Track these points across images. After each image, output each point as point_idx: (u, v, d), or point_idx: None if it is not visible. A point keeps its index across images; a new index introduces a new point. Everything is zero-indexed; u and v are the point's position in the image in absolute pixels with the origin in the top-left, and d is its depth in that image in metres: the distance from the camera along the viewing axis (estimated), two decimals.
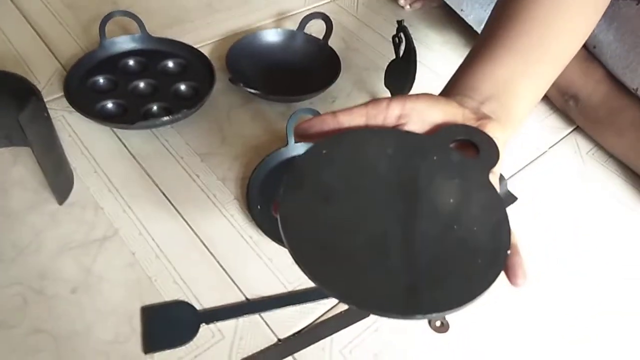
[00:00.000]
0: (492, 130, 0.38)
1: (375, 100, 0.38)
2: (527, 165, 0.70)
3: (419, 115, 0.38)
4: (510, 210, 0.61)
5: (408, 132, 0.38)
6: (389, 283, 0.32)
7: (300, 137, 0.39)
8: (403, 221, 0.34)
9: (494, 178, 0.37)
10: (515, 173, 0.69)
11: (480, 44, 0.45)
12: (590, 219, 0.65)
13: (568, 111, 0.75)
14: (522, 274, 0.33)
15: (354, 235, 0.33)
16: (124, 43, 0.76)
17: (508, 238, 0.34)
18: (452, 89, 0.43)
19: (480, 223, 0.35)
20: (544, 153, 0.72)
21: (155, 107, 0.69)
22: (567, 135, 0.75)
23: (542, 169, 0.70)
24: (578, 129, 0.75)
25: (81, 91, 0.70)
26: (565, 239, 0.63)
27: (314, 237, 0.33)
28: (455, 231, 0.34)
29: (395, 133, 0.38)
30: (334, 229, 0.34)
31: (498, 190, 0.37)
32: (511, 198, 0.66)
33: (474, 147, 0.37)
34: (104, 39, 0.75)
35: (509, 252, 0.33)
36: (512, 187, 0.66)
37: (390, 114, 0.38)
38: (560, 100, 0.76)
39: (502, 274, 0.33)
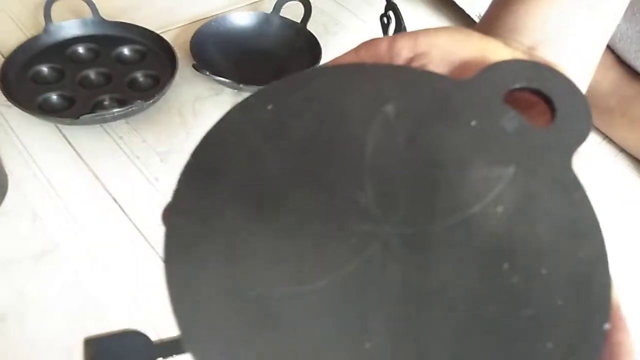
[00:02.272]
0: None
1: (369, 42, 0.25)
2: None
3: (443, 54, 0.24)
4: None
5: (428, 74, 0.23)
6: None
7: None
8: (400, 267, 0.18)
9: (578, 164, 0.23)
10: None
11: None
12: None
13: None
14: None
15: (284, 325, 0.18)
16: (72, 28, 0.67)
17: (607, 298, 0.19)
18: (487, 31, 0.29)
19: (553, 261, 0.19)
20: None
21: (106, 100, 0.60)
22: None
23: None
24: None
25: (21, 82, 0.61)
26: None
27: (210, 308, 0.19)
28: (503, 279, 0.19)
29: (406, 75, 0.22)
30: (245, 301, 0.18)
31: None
32: None
33: (545, 105, 0.22)
34: (50, 23, 0.65)
35: (607, 326, 0.18)
36: None
37: (395, 58, 0.25)
38: None
39: None
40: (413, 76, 0.22)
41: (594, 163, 0.64)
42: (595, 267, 0.19)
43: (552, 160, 0.21)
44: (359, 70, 0.22)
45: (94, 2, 0.67)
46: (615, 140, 0.66)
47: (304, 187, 0.20)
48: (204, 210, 0.20)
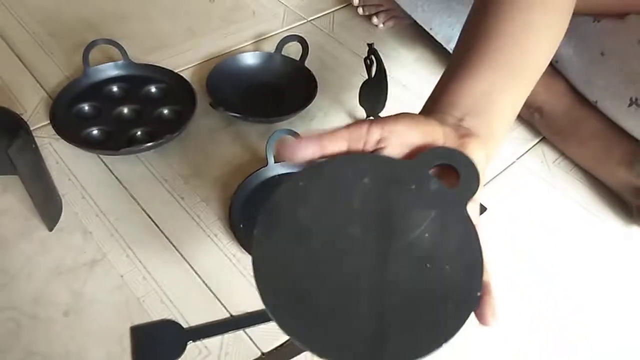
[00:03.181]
0: (474, 147, 0.38)
1: (356, 124, 0.37)
2: (496, 176, 0.74)
3: (398, 138, 0.37)
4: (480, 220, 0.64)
5: (388, 159, 0.37)
6: (355, 332, 0.33)
7: (285, 160, 0.39)
8: (376, 263, 0.34)
9: (474, 206, 0.37)
10: (485, 184, 0.73)
11: (457, 62, 0.45)
12: (557, 226, 0.69)
13: (534, 123, 0.79)
14: (490, 315, 0.34)
15: (324, 281, 0.34)
16: (107, 70, 0.79)
17: (480, 278, 0.34)
18: (432, 107, 0.42)
19: (453, 261, 0.35)
20: (512, 163, 0.76)
21: (139, 132, 0.72)
22: (534, 146, 0.79)
23: (511, 179, 0.74)
24: (544, 139, 0.79)
25: (67, 119, 0.73)
26: (535, 247, 0.66)
27: (284, 283, 0.34)
28: (427, 271, 0.34)
29: (375, 160, 0.37)
30: (305, 274, 0.34)
31: (477, 217, 0.37)
32: (481, 208, 0.69)
33: (455, 171, 0.36)
34: (88, 67, 0.77)
35: (479, 293, 0.34)
36: (481, 198, 0.70)
37: (370, 138, 0.37)
38: (527, 113, 0.79)
39: None
40: (381, 162, 0.36)
41: (552, 177, 0.75)
42: (475, 262, 0.35)
43: (456, 206, 0.36)
44: (350, 161, 0.37)
45: (122, 45, 0.79)
46: (569, 157, 0.77)
47: (334, 227, 0.35)
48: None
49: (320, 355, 0.32)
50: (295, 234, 0.35)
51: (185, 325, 0.56)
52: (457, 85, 0.43)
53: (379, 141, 0.37)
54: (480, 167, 0.36)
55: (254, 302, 0.58)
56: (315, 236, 0.35)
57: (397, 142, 0.37)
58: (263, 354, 0.54)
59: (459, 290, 0.34)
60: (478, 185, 0.36)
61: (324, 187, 0.36)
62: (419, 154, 0.36)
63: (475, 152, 0.37)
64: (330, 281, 0.34)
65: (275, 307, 0.33)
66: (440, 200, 0.36)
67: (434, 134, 0.38)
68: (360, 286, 0.34)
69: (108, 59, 0.81)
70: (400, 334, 0.33)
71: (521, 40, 0.46)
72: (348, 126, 0.37)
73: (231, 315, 0.57)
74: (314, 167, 0.36)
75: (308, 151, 0.36)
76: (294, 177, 0.36)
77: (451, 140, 0.38)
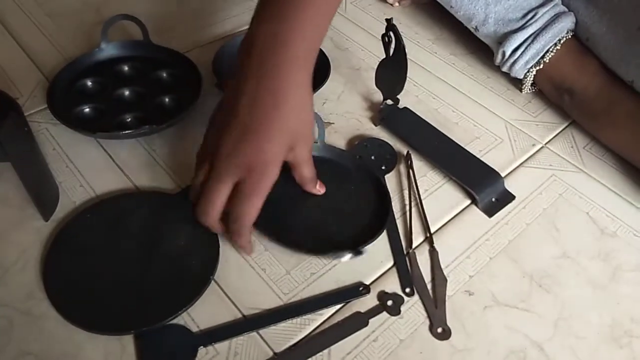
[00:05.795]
0: None
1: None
2: (524, 162, 0.69)
3: None
4: (508, 208, 0.59)
5: (160, 193, 0.60)
6: (120, 309, 0.50)
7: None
8: (141, 263, 0.53)
9: None
10: (512, 170, 0.68)
11: None
12: (589, 213, 0.64)
13: (563, 105, 0.74)
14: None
15: (101, 280, 0.52)
16: (124, 48, 0.75)
17: (214, 269, 0.54)
18: None
19: (197, 257, 0.54)
20: (540, 149, 0.71)
21: (134, 117, 0.67)
22: (562, 130, 0.74)
23: (539, 165, 0.69)
24: (573, 123, 0.74)
25: (66, 99, 0.68)
26: (567, 235, 0.61)
27: (71, 284, 0.52)
28: (178, 264, 0.53)
29: (148, 194, 0.60)
30: (86, 278, 0.52)
31: None
32: (509, 197, 0.64)
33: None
34: (107, 41, 0.73)
35: (212, 277, 0.54)
36: (509, 185, 0.65)
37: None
38: (555, 95, 0.74)
39: None
40: (153, 194, 0.60)
41: (583, 163, 0.70)
42: (211, 257, 0.55)
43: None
44: (127, 195, 0.60)
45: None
46: (602, 141, 0.71)
47: (113, 242, 0.56)
48: None
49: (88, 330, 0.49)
50: (81, 247, 0.54)
51: (194, 329, 0.51)
52: None
53: None
54: None
55: (265, 298, 0.53)
56: (97, 251, 0.54)
57: None
58: (276, 354, 0.50)
59: (197, 275, 0.53)
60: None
61: (106, 216, 0.57)
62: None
63: None
64: (104, 276, 0.52)
65: (62, 304, 0.51)
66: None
67: None
68: (126, 278, 0.52)
69: (123, 38, 0.76)
70: (154, 307, 0.51)
71: None
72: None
73: (242, 315, 0.52)
74: (99, 203, 0.58)
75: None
76: (82, 212, 0.57)
77: None
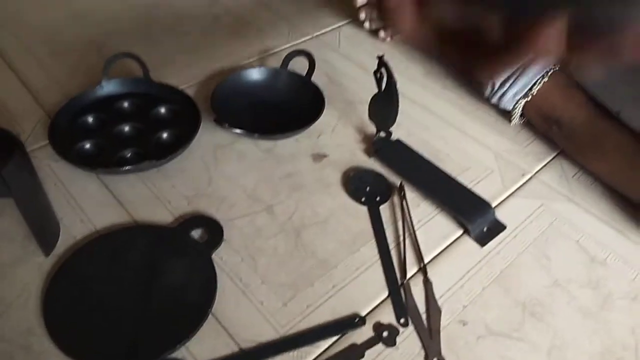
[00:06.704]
0: None
1: None
2: (514, 192, 0.71)
3: None
4: (500, 237, 0.61)
5: (157, 226, 0.61)
6: (119, 343, 0.51)
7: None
8: (140, 295, 0.54)
9: None
10: (503, 200, 0.69)
11: None
12: (579, 242, 0.65)
13: (552, 136, 0.76)
14: None
15: (100, 311, 0.53)
16: (124, 85, 0.77)
17: (212, 301, 0.55)
18: None
19: (195, 290, 0.55)
20: (529, 179, 0.73)
21: (134, 152, 0.70)
22: (551, 160, 0.76)
23: (529, 195, 0.70)
24: (562, 153, 0.76)
25: (67, 135, 0.70)
26: (557, 264, 0.62)
27: (70, 320, 0.53)
28: (176, 297, 0.54)
29: (145, 228, 0.61)
30: (86, 308, 0.54)
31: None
32: (500, 226, 0.66)
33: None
34: (107, 78, 0.75)
35: (210, 310, 0.54)
36: (500, 214, 0.67)
37: None
38: (544, 126, 0.76)
39: None
40: (150, 227, 0.62)
41: (572, 193, 0.71)
42: (209, 289, 0.56)
43: (204, 254, 0.60)
44: (125, 229, 0.61)
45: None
46: (591, 171, 0.73)
47: (112, 275, 0.58)
48: None
49: None
50: (80, 282, 0.56)
51: None
52: None
53: None
54: None
55: (262, 331, 0.54)
56: (96, 286, 0.55)
57: None
58: None
59: (195, 308, 0.54)
60: (222, 238, 0.60)
61: (106, 251, 0.58)
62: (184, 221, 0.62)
63: None
64: (103, 310, 0.54)
65: (60, 337, 0.51)
66: (193, 250, 0.58)
67: None
68: (126, 314, 0.53)
69: (122, 75, 0.78)
70: (152, 338, 0.51)
71: None
72: None
73: (240, 348, 0.53)
74: (98, 237, 0.59)
75: None
76: (82, 247, 0.58)
77: None
